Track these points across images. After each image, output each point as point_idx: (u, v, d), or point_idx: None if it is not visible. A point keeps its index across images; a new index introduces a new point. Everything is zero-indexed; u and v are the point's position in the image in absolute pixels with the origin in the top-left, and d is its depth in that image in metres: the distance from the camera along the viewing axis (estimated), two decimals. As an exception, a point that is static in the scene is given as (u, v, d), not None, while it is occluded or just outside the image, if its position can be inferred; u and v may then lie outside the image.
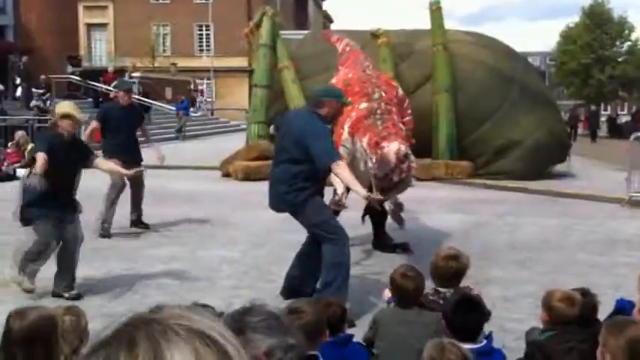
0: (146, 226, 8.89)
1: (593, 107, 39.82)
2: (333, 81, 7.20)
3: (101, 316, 5.44)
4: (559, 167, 15.48)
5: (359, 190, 5.36)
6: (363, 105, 6.55)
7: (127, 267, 7.04)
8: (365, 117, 6.44)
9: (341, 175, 5.44)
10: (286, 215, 8.21)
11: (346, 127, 6.58)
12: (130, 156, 8.33)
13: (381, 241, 7.78)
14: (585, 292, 3.70)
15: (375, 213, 7.44)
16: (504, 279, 6.75)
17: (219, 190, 12.63)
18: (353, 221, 7.31)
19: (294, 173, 5.48)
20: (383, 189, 6.04)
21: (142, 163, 8.64)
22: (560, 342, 3.22)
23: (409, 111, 7.38)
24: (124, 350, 0.79)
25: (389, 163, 5.78)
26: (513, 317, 5.51)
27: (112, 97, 26.26)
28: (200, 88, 33.08)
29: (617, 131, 34.29)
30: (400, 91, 7.35)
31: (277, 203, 5.71)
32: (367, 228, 7.89)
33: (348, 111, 6.45)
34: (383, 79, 7.21)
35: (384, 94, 6.70)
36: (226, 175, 14.59)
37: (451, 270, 3.95)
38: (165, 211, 10.16)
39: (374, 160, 6.00)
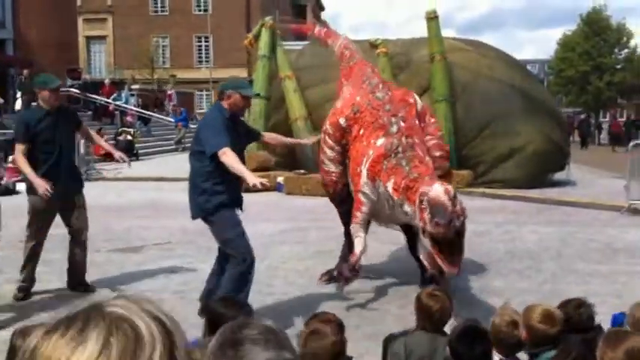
0: (89, 288, 6.64)
1: (583, 115, 40.17)
2: (339, 105, 6.43)
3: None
4: (558, 175, 15.49)
5: (247, 177, 5.02)
6: (381, 141, 5.75)
7: (124, 281, 7.01)
8: (384, 156, 5.64)
9: (227, 163, 5.02)
10: (285, 227, 8.25)
11: (364, 170, 5.80)
12: (71, 184, 6.33)
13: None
14: (582, 303, 3.69)
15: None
16: (505, 289, 6.72)
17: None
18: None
19: (202, 172, 5.27)
20: (450, 243, 4.85)
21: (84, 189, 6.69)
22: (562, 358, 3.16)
23: (433, 120, 6.46)
24: (62, 329, 0.90)
25: (445, 206, 4.67)
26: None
27: (110, 110, 26.57)
28: (169, 92, 32.69)
29: (617, 138, 34.42)
30: (419, 105, 6.33)
31: (191, 209, 5.46)
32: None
33: (364, 148, 5.85)
34: (397, 97, 6.19)
35: (402, 124, 5.81)
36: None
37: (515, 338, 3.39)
38: (164, 224, 10.15)
39: (422, 212, 4.88)
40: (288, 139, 7.20)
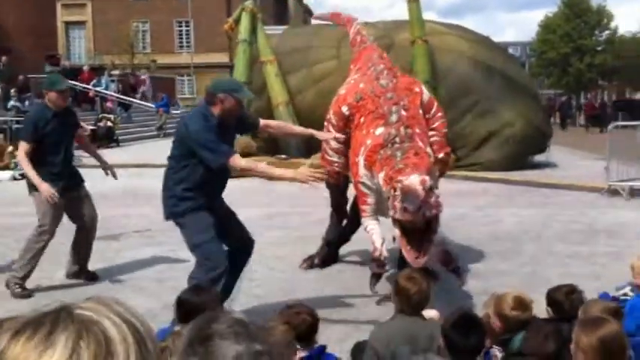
0: (92, 276, 6.68)
1: (563, 98, 40.67)
2: (342, 92, 6.19)
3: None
4: (539, 157, 15.58)
5: (284, 174, 4.86)
6: (379, 130, 5.54)
7: (105, 269, 6.96)
8: (381, 146, 5.43)
9: (246, 168, 4.86)
10: (268, 212, 8.22)
11: (361, 160, 5.64)
12: (72, 180, 6.40)
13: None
14: (573, 289, 3.71)
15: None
16: (486, 271, 6.75)
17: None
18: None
19: (174, 176, 4.94)
20: (420, 233, 4.82)
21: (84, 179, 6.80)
22: (534, 335, 3.19)
23: (439, 114, 6.13)
24: (29, 332, 0.88)
25: (416, 193, 4.57)
26: (493, 310, 5.50)
27: (91, 97, 26.28)
28: (142, 77, 32.11)
29: (598, 120, 34.80)
30: (425, 96, 6.04)
31: (163, 209, 5.12)
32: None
33: (363, 137, 5.67)
34: (402, 85, 5.93)
35: (403, 113, 5.57)
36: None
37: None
38: (145, 211, 10.07)
39: (394, 200, 4.81)
40: (297, 129, 6.37)
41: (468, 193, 11.65)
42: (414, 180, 4.63)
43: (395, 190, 4.77)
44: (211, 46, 42.28)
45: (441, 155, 5.95)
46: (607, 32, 46.23)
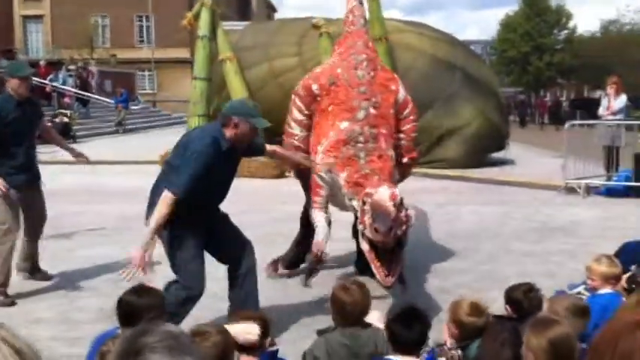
0: (45, 276, 6.50)
1: (521, 97, 41.45)
2: (318, 70, 5.94)
3: (28, 322, 5.24)
4: (498, 154, 15.74)
5: (151, 229, 4.39)
6: (344, 125, 5.29)
7: (58, 269, 6.78)
8: (344, 142, 5.21)
9: (157, 208, 4.37)
10: (226, 210, 8.02)
11: (320, 151, 5.38)
12: (33, 174, 6.19)
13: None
14: (531, 288, 3.70)
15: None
16: (443, 269, 6.76)
17: (158, 186, 12.35)
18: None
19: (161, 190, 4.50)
20: (389, 252, 4.58)
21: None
22: (492, 340, 3.15)
23: (412, 117, 5.85)
24: None
25: (388, 212, 4.32)
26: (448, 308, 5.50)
27: (47, 92, 25.75)
28: (90, 69, 31.26)
29: (557, 118, 35.49)
30: (401, 95, 5.73)
31: (147, 213, 4.66)
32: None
33: (328, 128, 5.39)
34: (379, 80, 5.63)
35: (372, 111, 5.33)
36: (166, 169, 14.32)
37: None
38: (100, 209, 9.90)
39: (363, 214, 4.58)
40: (299, 156, 5.80)
41: (428, 190, 11.69)
42: (384, 195, 4.37)
43: (364, 204, 4.55)
44: (172, 42, 41.80)
45: (405, 160, 5.82)
46: (566, 31, 47.01)
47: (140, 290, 3.18)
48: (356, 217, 5.69)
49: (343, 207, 5.52)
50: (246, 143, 4.67)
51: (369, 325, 3.37)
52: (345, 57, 5.82)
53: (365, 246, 4.62)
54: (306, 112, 5.71)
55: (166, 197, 4.34)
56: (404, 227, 4.52)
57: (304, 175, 5.92)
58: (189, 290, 4.55)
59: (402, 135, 5.73)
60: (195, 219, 4.55)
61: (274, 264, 6.58)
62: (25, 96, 5.97)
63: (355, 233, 6.44)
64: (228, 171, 4.74)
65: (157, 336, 1.55)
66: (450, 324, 3.32)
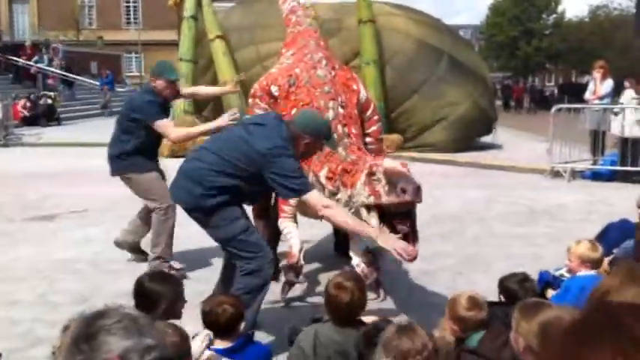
0: (144, 258, 6.30)
1: (506, 82, 41.63)
2: (274, 71, 5.60)
3: (7, 304, 5.19)
4: (486, 138, 15.75)
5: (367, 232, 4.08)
6: None
7: (38, 251, 6.72)
8: None
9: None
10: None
11: None
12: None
13: (346, 244, 5.64)
14: (526, 277, 3.65)
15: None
16: (427, 252, 6.69)
17: (143, 168, 12.26)
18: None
19: (218, 180, 4.17)
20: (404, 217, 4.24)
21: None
22: (493, 338, 3.04)
23: (376, 117, 5.61)
24: None
25: (406, 174, 4.10)
26: (433, 291, 5.50)
27: (32, 73, 25.44)
28: (53, 46, 29.80)
29: (544, 103, 35.64)
30: (362, 94, 5.50)
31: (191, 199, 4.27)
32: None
33: None
34: (340, 80, 5.41)
35: (340, 111, 5.06)
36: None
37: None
38: (83, 191, 9.81)
39: (374, 185, 4.19)
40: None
41: (415, 173, 11.59)
42: (394, 163, 4.17)
43: (373, 175, 4.18)
44: (160, 23, 41.41)
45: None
46: (554, 16, 46.99)
47: (158, 277, 3.11)
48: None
49: (316, 215, 5.00)
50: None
51: (363, 323, 3.17)
52: (300, 57, 5.59)
53: (374, 221, 4.18)
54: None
55: (320, 199, 4.08)
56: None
57: None
58: (257, 261, 4.17)
59: (368, 139, 5.41)
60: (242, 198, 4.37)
61: None
62: (168, 99, 6.01)
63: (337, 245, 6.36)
64: None
65: (114, 318, 1.50)
66: (449, 322, 3.17)
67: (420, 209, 9.17)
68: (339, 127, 4.93)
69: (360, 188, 4.29)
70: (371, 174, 4.20)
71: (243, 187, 4.14)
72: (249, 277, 4.14)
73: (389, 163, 4.17)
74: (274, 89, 5.33)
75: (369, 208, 4.22)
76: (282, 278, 5.27)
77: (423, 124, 14.68)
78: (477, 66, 16.38)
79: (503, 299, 3.67)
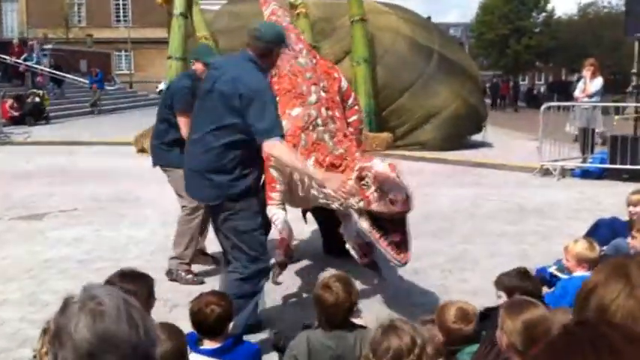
0: (208, 260, 6.21)
1: (494, 80, 41.82)
2: None
3: (-5, 303, 5.16)
4: (476, 137, 15.78)
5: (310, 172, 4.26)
6: (297, 111, 4.96)
7: (27, 250, 6.68)
8: (301, 129, 4.84)
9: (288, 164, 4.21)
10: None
11: None
12: None
13: (335, 244, 5.90)
14: (526, 272, 3.50)
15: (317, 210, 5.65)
16: (416, 250, 6.64)
17: (132, 167, 12.15)
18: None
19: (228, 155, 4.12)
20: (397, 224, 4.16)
21: None
22: (485, 352, 2.91)
23: (356, 107, 5.69)
24: None
25: (396, 181, 4.05)
26: (422, 290, 5.50)
27: (21, 71, 25.23)
28: (30, 43, 28.99)
29: (535, 101, 35.78)
30: (344, 83, 5.56)
31: (212, 191, 4.19)
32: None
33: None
34: (322, 68, 5.46)
35: (323, 94, 5.06)
36: (141, 150, 14.13)
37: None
38: (73, 190, 9.76)
39: (363, 191, 4.13)
40: None
41: (405, 172, 11.56)
42: (384, 166, 4.11)
43: (362, 180, 4.14)
44: (150, 21, 41.24)
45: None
46: (544, 14, 47.12)
47: (129, 275, 3.03)
48: (319, 207, 5.39)
49: (303, 204, 5.21)
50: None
51: (356, 325, 3.11)
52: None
53: (365, 225, 4.19)
54: None
55: (281, 146, 4.00)
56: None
57: None
58: (258, 263, 4.14)
59: (349, 129, 5.32)
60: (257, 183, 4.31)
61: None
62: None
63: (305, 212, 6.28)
64: None
65: (79, 302, 1.40)
66: (435, 328, 3.11)
67: (410, 207, 9.15)
68: (323, 110, 4.94)
69: (328, 200, 4.33)
70: (360, 178, 4.16)
71: (249, 147, 4.03)
72: (243, 282, 4.11)
73: (379, 166, 4.12)
74: None
75: (360, 211, 4.20)
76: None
77: (413, 123, 14.69)
78: (467, 64, 16.42)
79: (504, 297, 3.51)
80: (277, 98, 4.90)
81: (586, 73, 12.28)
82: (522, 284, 3.37)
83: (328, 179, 4.28)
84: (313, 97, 5.01)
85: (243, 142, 4.02)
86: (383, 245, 4.13)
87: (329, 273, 3.26)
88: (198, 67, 5.79)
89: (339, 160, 4.60)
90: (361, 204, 4.13)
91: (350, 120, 5.47)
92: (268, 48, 4.16)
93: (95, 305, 1.35)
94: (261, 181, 4.50)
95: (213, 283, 5.21)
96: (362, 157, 4.57)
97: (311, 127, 4.87)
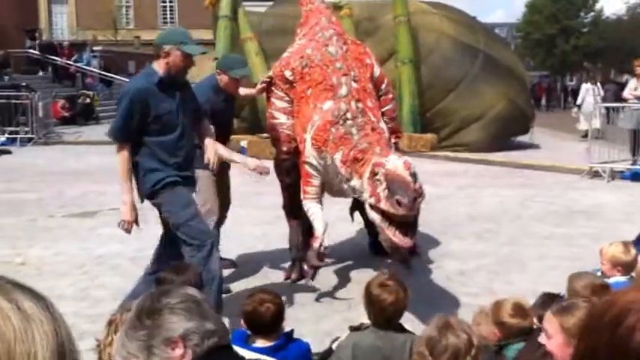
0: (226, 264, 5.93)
1: (535, 80, 41.16)
2: (286, 55, 5.56)
3: (50, 299, 5.29)
4: (522, 138, 15.59)
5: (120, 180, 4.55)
6: (328, 105, 4.96)
7: (79, 247, 6.86)
8: (331, 123, 4.84)
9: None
10: (244, 190, 7.96)
11: (309, 138, 5.01)
12: None
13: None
14: (554, 296, 3.41)
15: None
16: (462, 252, 6.71)
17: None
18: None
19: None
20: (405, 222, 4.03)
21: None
22: (532, 350, 2.87)
23: (390, 95, 5.62)
24: None
25: (407, 182, 3.92)
26: (468, 291, 5.47)
27: (71, 73, 25.80)
28: (57, 43, 28.65)
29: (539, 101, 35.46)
30: (377, 70, 5.48)
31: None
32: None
33: (310, 112, 5.07)
34: (353, 54, 5.36)
35: (353, 85, 5.04)
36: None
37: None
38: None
39: (374, 187, 4.11)
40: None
41: (450, 173, 11.62)
42: (398, 163, 4.01)
43: (374, 175, 4.12)
44: (196, 22, 41.59)
45: (393, 141, 5.48)
46: (592, 14, 46.23)
47: (179, 268, 3.23)
48: (354, 200, 5.55)
49: (341, 194, 5.21)
50: (182, 74, 4.53)
51: (404, 329, 3.07)
52: (311, 37, 5.56)
53: (375, 215, 4.13)
54: (287, 98, 5.41)
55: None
56: (420, 199, 3.99)
57: (280, 165, 5.64)
58: (204, 247, 4.27)
59: (384, 118, 5.27)
60: (174, 173, 4.45)
61: (293, 268, 5.86)
62: (229, 93, 5.61)
63: (353, 211, 6.38)
64: (176, 110, 4.40)
65: (179, 298, 1.55)
66: (491, 326, 3.07)
67: (456, 208, 9.19)
68: (353, 104, 4.91)
69: (365, 183, 4.29)
70: (373, 173, 4.15)
71: (148, 145, 4.46)
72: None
73: (392, 163, 4.05)
74: (288, 74, 5.36)
75: (371, 205, 4.19)
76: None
77: (458, 124, 14.57)
78: (513, 64, 16.21)
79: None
80: (309, 90, 5.12)
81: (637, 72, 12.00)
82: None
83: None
84: (344, 90, 4.99)
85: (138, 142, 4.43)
86: (390, 231, 4.02)
87: (380, 272, 3.25)
88: (223, 79, 5.52)
89: (362, 154, 4.58)
90: (372, 200, 4.14)
91: (383, 110, 5.40)
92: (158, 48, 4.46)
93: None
94: (183, 174, 4.50)
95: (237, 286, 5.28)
96: (381, 151, 4.50)
97: (341, 122, 4.84)
